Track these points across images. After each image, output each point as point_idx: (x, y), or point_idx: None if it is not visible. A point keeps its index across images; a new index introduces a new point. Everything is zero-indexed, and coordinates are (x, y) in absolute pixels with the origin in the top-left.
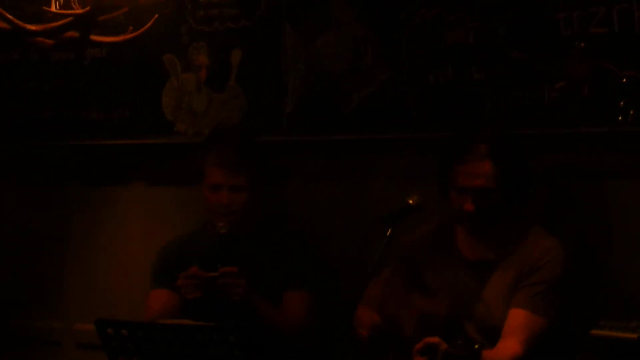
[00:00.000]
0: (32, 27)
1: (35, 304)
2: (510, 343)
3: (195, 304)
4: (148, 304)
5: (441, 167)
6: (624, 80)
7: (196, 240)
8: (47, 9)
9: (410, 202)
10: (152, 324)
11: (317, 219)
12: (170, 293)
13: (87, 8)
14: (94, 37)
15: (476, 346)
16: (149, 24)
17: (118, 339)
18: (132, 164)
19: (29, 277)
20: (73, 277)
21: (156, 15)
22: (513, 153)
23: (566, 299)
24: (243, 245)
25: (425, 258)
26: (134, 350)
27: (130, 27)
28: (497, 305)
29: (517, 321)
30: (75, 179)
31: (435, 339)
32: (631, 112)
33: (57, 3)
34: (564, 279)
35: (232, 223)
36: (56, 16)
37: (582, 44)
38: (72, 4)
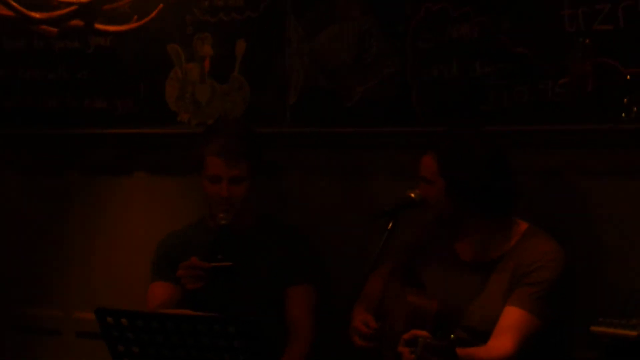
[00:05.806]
0: (37, 15)
1: (35, 292)
2: (502, 341)
3: (195, 295)
4: (148, 296)
5: None
6: (628, 77)
7: (195, 233)
8: None
9: (412, 195)
10: (152, 313)
11: (318, 212)
12: (170, 285)
13: None
14: (98, 26)
15: (452, 336)
16: (153, 14)
17: (118, 328)
18: (135, 154)
19: (30, 266)
20: (74, 266)
21: (161, 5)
22: (460, 153)
23: (562, 302)
24: (242, 236)
25: (422, 256)
26: (134, 340)
27: (135, 17)
28: (492, 309)
29: (511, 319)
30: (78, 168)
31: (423, 332)
32: (635, 109)
33: None
34: (561, 282)
35: (232, 215)
36: (61, 4)
37: (587, 40)
38: None
